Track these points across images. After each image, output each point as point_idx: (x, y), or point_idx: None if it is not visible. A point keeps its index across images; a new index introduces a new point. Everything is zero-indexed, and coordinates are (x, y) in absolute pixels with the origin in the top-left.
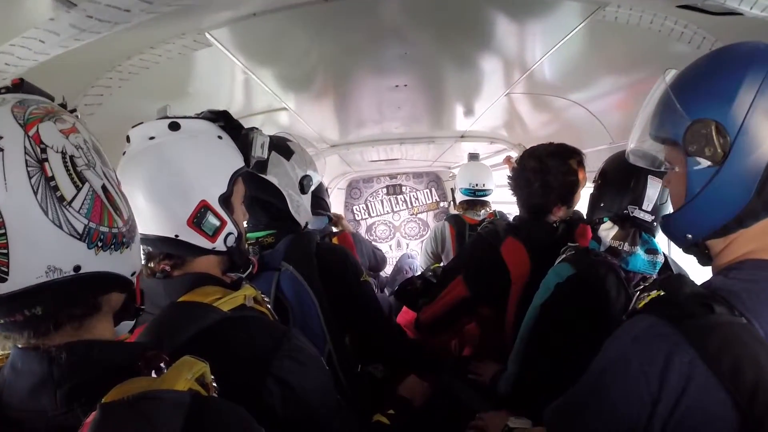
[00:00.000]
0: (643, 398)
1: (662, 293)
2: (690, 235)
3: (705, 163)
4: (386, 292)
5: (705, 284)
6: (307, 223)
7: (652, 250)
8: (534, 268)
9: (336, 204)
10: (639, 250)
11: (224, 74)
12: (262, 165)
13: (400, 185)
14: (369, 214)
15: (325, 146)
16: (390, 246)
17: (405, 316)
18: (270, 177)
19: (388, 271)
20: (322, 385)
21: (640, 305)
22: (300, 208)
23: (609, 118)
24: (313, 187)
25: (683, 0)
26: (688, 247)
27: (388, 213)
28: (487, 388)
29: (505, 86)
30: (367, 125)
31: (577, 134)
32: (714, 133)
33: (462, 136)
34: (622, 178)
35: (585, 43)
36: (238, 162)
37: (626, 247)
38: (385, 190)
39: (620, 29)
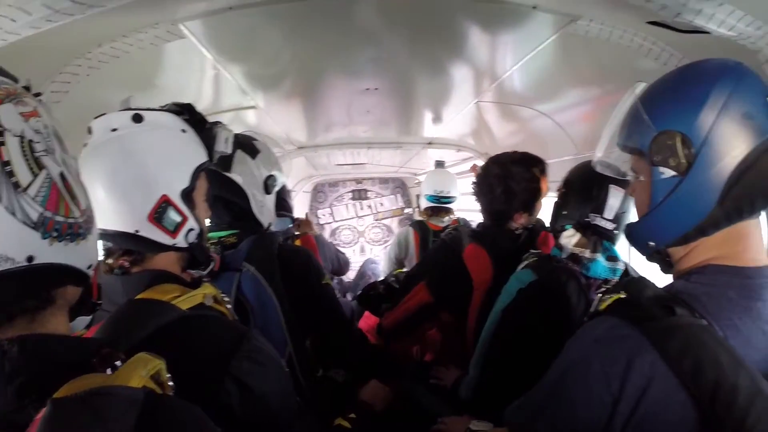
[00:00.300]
0: (603, 399)
1: (624, 295)
2: (653, 243)
3: (669, 173)
4: (349, 297)
5: (666, 288)
6: (270, 224)
7: (613, 258)
8: (496, 275)
9: (301, 207)
10: (600, 257)
11: (195, 68)
12: (227, 163)
13: (366, 190)
14: (333, 218)
15: (292, 147)
16: (354, 251)
17: (367, 321)
18: (234, 175)
19: (351, 276)
20: (281, 387)
21: (602, 307)
22: (263, 208)
23: (575, 130)
24: (277, 188)
25: (653, 17)
26: (650, 255)
27: (352, 218)
28: (448, 393)
29: (474, 94)
30: (335, 128)
31: (543, 144)
32: (679, 144)
33: (429, 143)
34: (585, 187)
35: (555, 55)
36: (201, 156)
37: (587, 254)
38: (350, 194)
39: (590, 43)
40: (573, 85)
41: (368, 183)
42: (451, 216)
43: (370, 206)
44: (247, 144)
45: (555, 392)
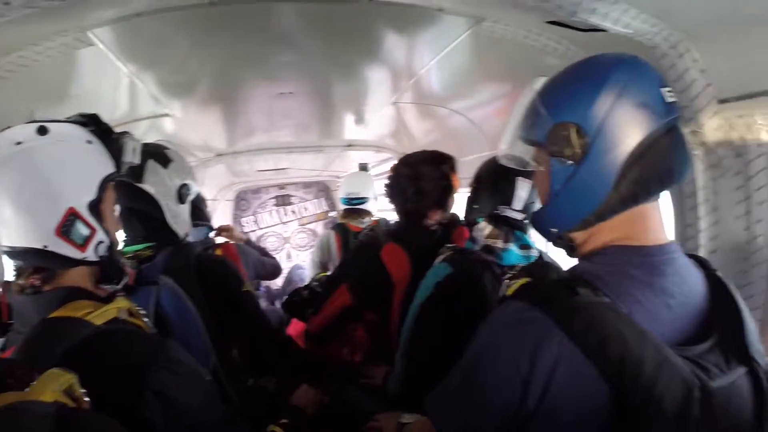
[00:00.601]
0: (514, 381)
1: (529, 280)
2: (555, 229)
3: (566, 162)
4: (277, 304)
5: (570, 270)
6: (186, 235)
7: (526, 246)
8: (415, 271)
9: (224, 216)
10: (513, 246)
11: (107, 76)
12: (138, 173)
13: (289, 195)
14: (258, 225)
15: (210, 155)
16: (280, 258)
17: (296, 326)
18: (146, 186)
19: (279, 283)
20: (204, 398)
21: (509, 292)
22: (178, 218)
23: (488, 127)
24: (191, 197)
25: (551, 16)
26: (554, 240)
27: (277, 224)
28: (380, 390)
29: (391, 95)
30: (254, 133)
31: (459, 142)
32: (574, 135)
33: (349, 145)
34: (494, 181)
35: (465, 55)
36: (108, 167)
37: (500, 244)
38: (273, 200)
39: (497, 43)
40: (484, 83)
41: (291, 188)
42: (372, 217)
43: (294, 211)
44: (158, 153)
45: (468, 377)
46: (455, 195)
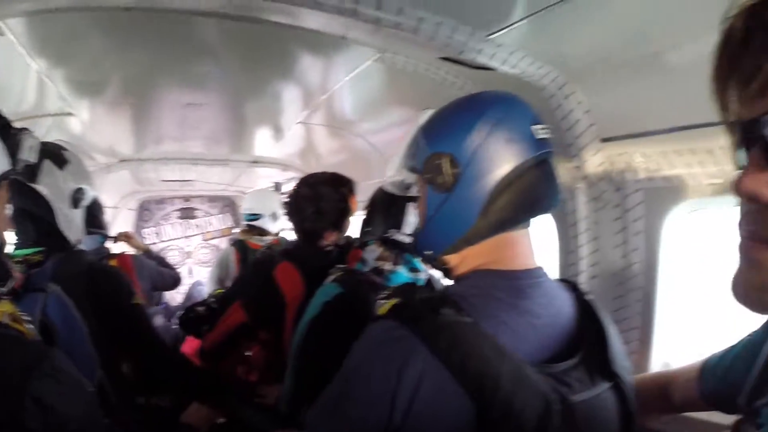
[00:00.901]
0: (385, 397)
1: (399, 300)
2: (429, 252)
3: (439, 189)
4: (174, 321)
5: (441, 291)
6: (78, 241)
7: (415, 269)
8: (308, 291)
9: (125, 226)
10: (402, 269)
11: (14, 68)
12: (33, 173)
13: (194, 209)
14: (159, 238)
15: (114, 160)
16: (181, 273)
17: (191, 344)
18: (40, 187)
19: (179, 299)
20: (86, 410)
21: (381, 311)
22: (71, 224)
23: (390, 152)
24: (86, 203)
25: (442, 53)
26: (431, 263)
27: (180, 238)
28: (273, 409)
29: (299, 115)
30: (162, 141)
31: (362, 166)
32: (447, 164)
33: (255, 161)
34: (387, 206)
35: (370, 81)
36: (3, 164)
37: (388, 266)
38: (178, 213)
39: (400, 73)
40: (386, 110)
41: (197, 201)
42: (273, 235)
43: (198, 225)
44: (55, 154)
45: (343, 394)
46: (351, 218)
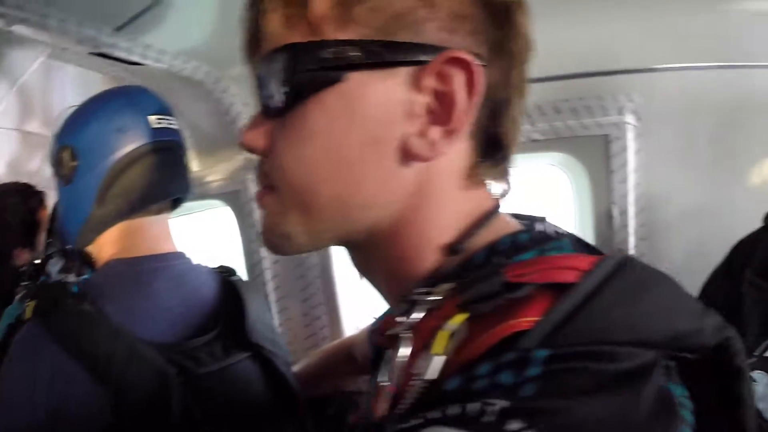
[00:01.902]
0: (27, 394)
1: (36, 301)
2: (70, 245)
3: (63, 182)
4: None
5: (79, 283)
6: None
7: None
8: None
9: None
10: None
11: None
12: None
13: None
14: None
15: None
16: None
17: None
18: None
19: None
20: None
21: (27, 315)
22: None
23: None
24: None
25: (91, 49)
26: (76, 257)
27: None
28: None
29: None
30: None
31: None
32: (67, 157)
33: None
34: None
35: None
36: None
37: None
38: None
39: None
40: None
41: None
42: None
43: None
44: None
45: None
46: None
